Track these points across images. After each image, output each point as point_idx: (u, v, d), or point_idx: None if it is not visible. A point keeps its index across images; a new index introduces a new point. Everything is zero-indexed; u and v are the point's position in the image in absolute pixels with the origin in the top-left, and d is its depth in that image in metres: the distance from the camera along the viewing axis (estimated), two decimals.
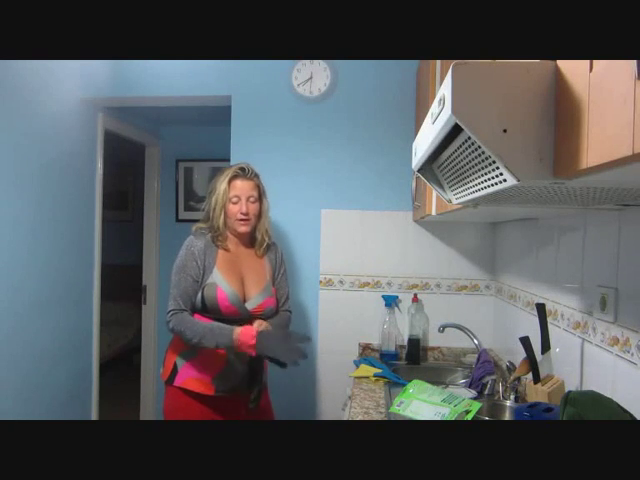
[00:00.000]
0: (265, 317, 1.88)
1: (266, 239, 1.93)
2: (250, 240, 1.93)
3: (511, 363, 1.80)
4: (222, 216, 1.84)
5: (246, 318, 1.81)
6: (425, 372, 2.15)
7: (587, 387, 1.35)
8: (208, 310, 1.78)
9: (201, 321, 1.76)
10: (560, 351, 1.56)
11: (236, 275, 1.84)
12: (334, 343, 2.45)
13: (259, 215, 1.89)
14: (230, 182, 1.83)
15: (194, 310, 1.80)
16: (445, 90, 0.76)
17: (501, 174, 0.77)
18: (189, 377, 1.80)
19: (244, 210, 1.82)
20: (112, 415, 3.18)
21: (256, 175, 1.88)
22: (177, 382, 1.80)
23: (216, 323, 1.75)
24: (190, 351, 1.81)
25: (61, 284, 2.52)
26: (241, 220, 1.83)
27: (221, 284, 1.78)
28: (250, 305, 1.83)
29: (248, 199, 1.83)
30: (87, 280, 2.78)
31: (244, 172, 1.85)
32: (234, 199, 1.82)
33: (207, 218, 1.88)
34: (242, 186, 1.83)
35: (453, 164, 1.01)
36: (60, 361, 2.52)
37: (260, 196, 1.89)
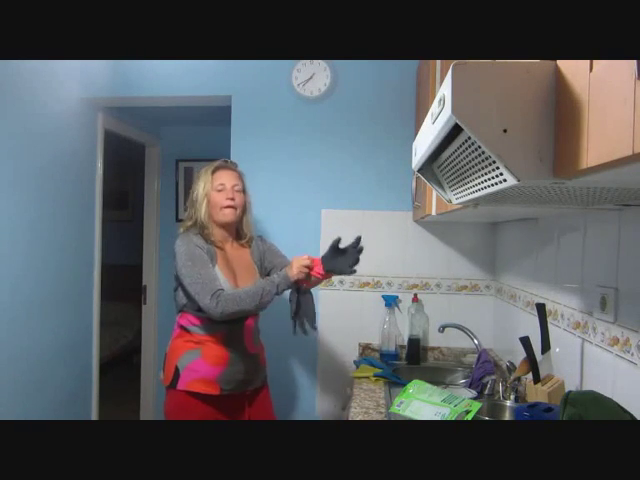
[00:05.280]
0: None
1: (249, 234, 1.94)
2: (237, 235, 1.93)
3: (511, 363, 1.80)
4: (204, 206, 1.81)
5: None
6: (425, 372, 2.15)
7: (587, 387, 1.35)
8: None
9: (243, 289, 1.72)
10: (560, 351, 1.56)
11: (230, 272, 1.83)
12: (334, 343, 2.45)
13: (244, 208, 1.89)
14: (214, 173, 1.84)
15: (194, 309, 1.77)
16: (445, 90, 0.76)
17: (501, 174, 0.77)
18: (193, 379, 1.76)
19: (230, 195, 1.81)
20: (112, 415, 3.18)
21: (238, 168, 1.91)
22: (180, 386, 1.77)
23: (263, 282, 1.72)
24: (190, 353, 1.79)
25: (61, 284, 2.52)
26: (227, 207, 1.81)
27: (221, 280, 1.76)
28: None
29: (233, 187, 1.84)
30: (87, 280, 2.78)
31: (226, 163, 1.89)
32: (219, 187, 1.82)
33: (190, 217, 1.85)
34: (226, 174, 1.85)
35: (453, 164, 1.01)
36: (60, 361, 2.52)
37: (244, 189, 1.89)
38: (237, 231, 1.93)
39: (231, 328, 1.80)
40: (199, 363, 1.78)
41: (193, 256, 1.74)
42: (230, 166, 1.89)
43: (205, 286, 1.68)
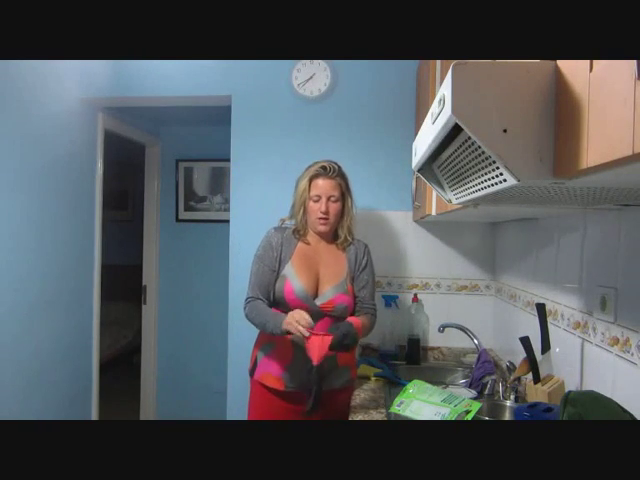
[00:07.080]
0: (336, 314, 1.80)
1: (349, 238, 1.91)
2: (333, 237, 1.92)
3: (511, 363, 1.80)
4: (301, 213, 1.86)
5: (316, 313, 1.75)
6: (425, 372, 2.15)
7: (587, 387, 1.35)
8: (278, 302, 1.80)
9: (267, 309, 1.77)
10: (560, 351, 1.56)
11: (311, 269, 1.83)
12: None
13: (341, 214, 1.88)
14: (311, 181, 1.84)
15: (270, 302, 1.82)
16: (445, 90, 0.76)
17: (501, 174, 0.77)
18: (265, 372, 1.83)
19: (324, 209, 1.81)
20: (112, 415, 3.18)
21: (339, 174, 1.86)
22: (256, 376, 1.85)
23: (275, 313, 1.75)
24: (266, 346, 1.84)
25: (61, 284, 2.52)
26: (320, 219, 1.83)
27: (290, 277, 1.78)
28: (320, 300, 1.79)
29: (329, 198, 1.83)
30: (87, 280, 2.78)
31: (325, 171, 1.83)
32: (315, 197, 1.83)
33: (292, 214, 1.92)
34: (323, 185, 1.82)
35: (453, 164, 1.01)
36: (60, 361, 2.52)
37: (343, 194, 1.87)
38: (334, 234, 1.92)
39: None
40: (271, 357, 1.83)
41: (262, 256, 1.84)
42: (328, 174, 1.83)
43: (250, 288, 1.83)
